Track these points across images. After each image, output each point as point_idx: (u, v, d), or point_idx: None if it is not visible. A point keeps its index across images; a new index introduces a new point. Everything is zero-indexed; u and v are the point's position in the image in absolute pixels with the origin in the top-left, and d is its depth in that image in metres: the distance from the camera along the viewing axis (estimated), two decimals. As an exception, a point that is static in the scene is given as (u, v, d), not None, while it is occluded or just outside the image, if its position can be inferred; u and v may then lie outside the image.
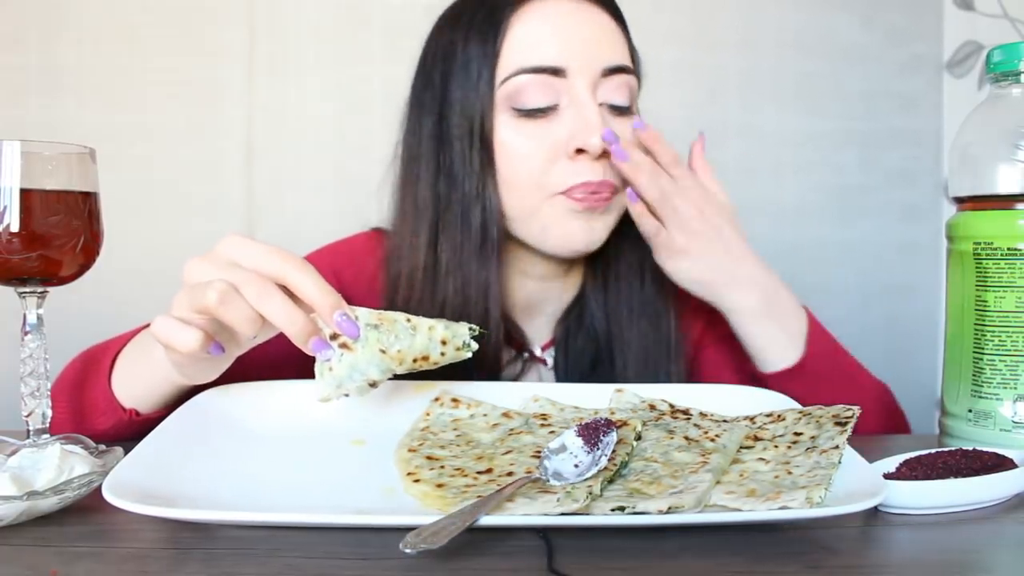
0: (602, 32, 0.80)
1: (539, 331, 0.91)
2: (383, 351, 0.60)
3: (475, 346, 0.62)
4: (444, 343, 0.61)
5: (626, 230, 0.83)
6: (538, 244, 0.82)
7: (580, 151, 0.77)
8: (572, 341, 0.88)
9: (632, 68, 0.82)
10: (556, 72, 0.77)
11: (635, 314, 0.87)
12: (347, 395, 0.61)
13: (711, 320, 0.87)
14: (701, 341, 0.91)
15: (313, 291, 0.57)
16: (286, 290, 0.57)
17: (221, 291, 0.55)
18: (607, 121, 0.78)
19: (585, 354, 0.88)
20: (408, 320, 0.61)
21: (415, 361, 0.61)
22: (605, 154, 0.77)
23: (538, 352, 0.89)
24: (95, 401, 0.70)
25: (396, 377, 0.63)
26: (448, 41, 0.81)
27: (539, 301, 0.89)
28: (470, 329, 0.62)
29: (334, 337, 0.59)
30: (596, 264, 0.88)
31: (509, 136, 0.79)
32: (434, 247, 0.81)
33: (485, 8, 0.79)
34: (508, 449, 0.60)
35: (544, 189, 0.79)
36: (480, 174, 0.79)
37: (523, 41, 0.78)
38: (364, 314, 0.60)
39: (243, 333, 0.57)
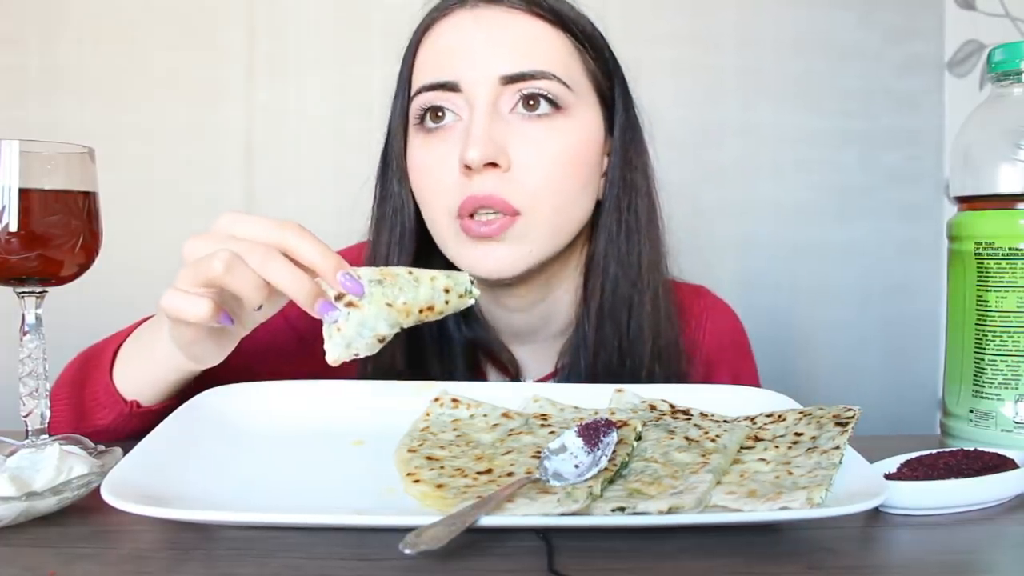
0: (508, 37, 0.75)
1: (538, 360, 0.87)
2: (389, 304, 0.60)
3: (477, 292, 0.63)
4: (447, 291, 0.61)
5: (617, 259, 0.80)
6: (460, 267, 0.79)
7: (468, 167, 0.73)
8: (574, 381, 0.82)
9: (547, 72, 0.74)
10: (450, 87, 0.75)
11: (623, 352, 0.81)
12: (357, 355, 0.60)
13: (712, 364, 0.86)
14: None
15: (314, 254, 0.58)
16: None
17: (226, 260, 0.55)
18: (517, 128, 0.74)
19: None
20: (410, 272, 0.61)
21: (421, 312, 0.61)
22: (493, 165, 0.73)
23: (530, 383, 0.85)
24: (96, 395, 0.70)
25: (395, 375, 0.63)
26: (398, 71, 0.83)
27: (521, 330, 0.86)
28: (473, 283, 0.63)
29: (339, 298, 0.59)
30: (588, 288, 0.83)
31: (416, 154, 0.78)
32: (372, 262, 0.82)
33: (412, 33, 0.81)
34: (508, 449, 0.60)
35: (447, 210, 0.76)
36: (400, 193, 0.81)
37: (425, 60, 0.78)
38: (367, 272, 0.60)
39: (250, 300, 0.57)
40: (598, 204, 0.81)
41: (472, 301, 0.63)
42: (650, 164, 0.84)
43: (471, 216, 0.74)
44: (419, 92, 0.77)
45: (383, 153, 0.84)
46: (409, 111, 0.79)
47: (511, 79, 0.74)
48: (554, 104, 0.75)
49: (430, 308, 0.61)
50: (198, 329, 0.60)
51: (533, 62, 0.75)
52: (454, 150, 0.74)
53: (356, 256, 0.88)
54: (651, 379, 0.80)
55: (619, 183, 0.81)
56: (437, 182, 0.76)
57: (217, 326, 0.59)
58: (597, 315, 0.81)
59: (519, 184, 0.74)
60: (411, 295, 0.60)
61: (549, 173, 0.75)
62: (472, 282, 0.63)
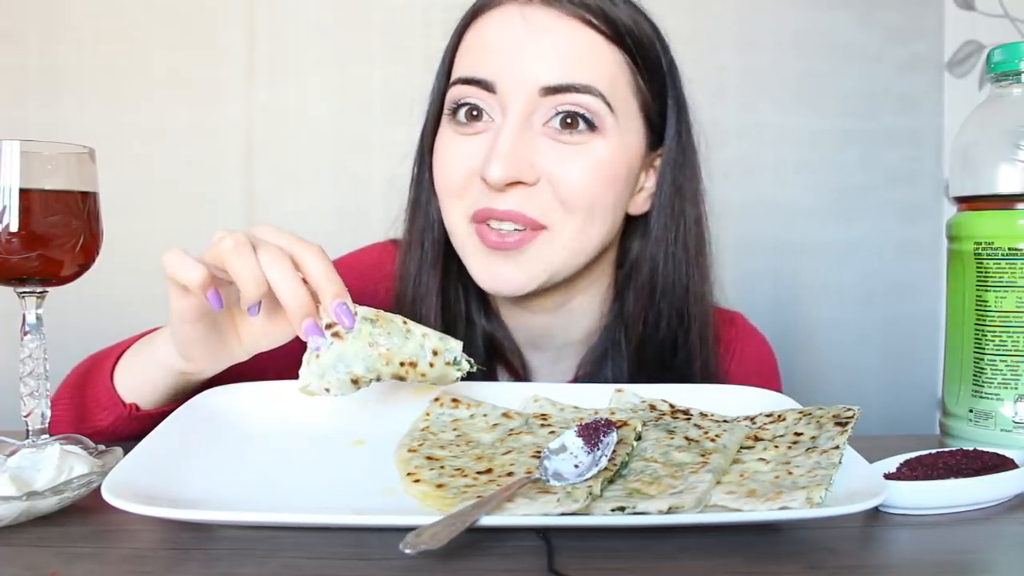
0: (555, 46, 0.71)
1: (552, 368, 0.85)
2: (371, 345, 0.60)
3: (466, 366, 0.62)
4: (435, 353, 0.61)
5: (663, 291, 0.78)
6: (472, 275, 0.76)
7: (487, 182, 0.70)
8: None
9: (591, 87, 0.70)
10: (487, 86, 0.71)
11: (667, 380, 0.76)
12: (328, 390, 0.60)
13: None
14: None
15: (321, 275, 0.59)
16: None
17: (237, 241, 0.57)
18: (548, 144, 0.71)
19: None
20: (404, 322, 0.61)
21: (402, 365, 0.61)
22: (519, 184, 0.70)
23: (531, 384, 0.83)
24: (96, 396, 0.71)
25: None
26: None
27: (537, 334, 0.84)
28: (468, 361, 0.62)
29: (329, 327, 0.59)
30: (621, 304, 0.81)
31: (442, 147, 0.76)
32: (406, 254, 0.82)
33: (462, 17, 0.78)
34: (508, 449, 0.60)
35: (464, 213, 0.74)
36: (429, 182, 0.79)
37: (467, 51, 0.75)
38: (363, 310, 0.60)
39: (246, 291, 0.57)
40: (628, 217, 0.79)
41: (458, 374, 0.62)
42: (702, 191, 0.80)
43: (487, 224, 0.72)
44: (455, 83, 0.74)
45: (421, 135, 0.82)
46: (444, 98, 0.76)
47: (552, 90, 0.70)
48: (591, 124, 0.71)
49: (412, 364, 0.61)
50: (192, 304, 0.60)
51: (577, 74, 0.70)
52: (479, 152, 0.71)
53: (373, 262, 0.87)
54: None
55: (667, 211, 0.77)
56: (456, 182, 0.74)
57: (208, 311, 0.60)
58: (638, 345, 0.79)
59: (545, 198, 0.71)
60: (396, 344, 0.60)
61: (577, 189, 0.71)
62: (467, 360, 0.62)
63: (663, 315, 0.79)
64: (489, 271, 0.74)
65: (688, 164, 0.79)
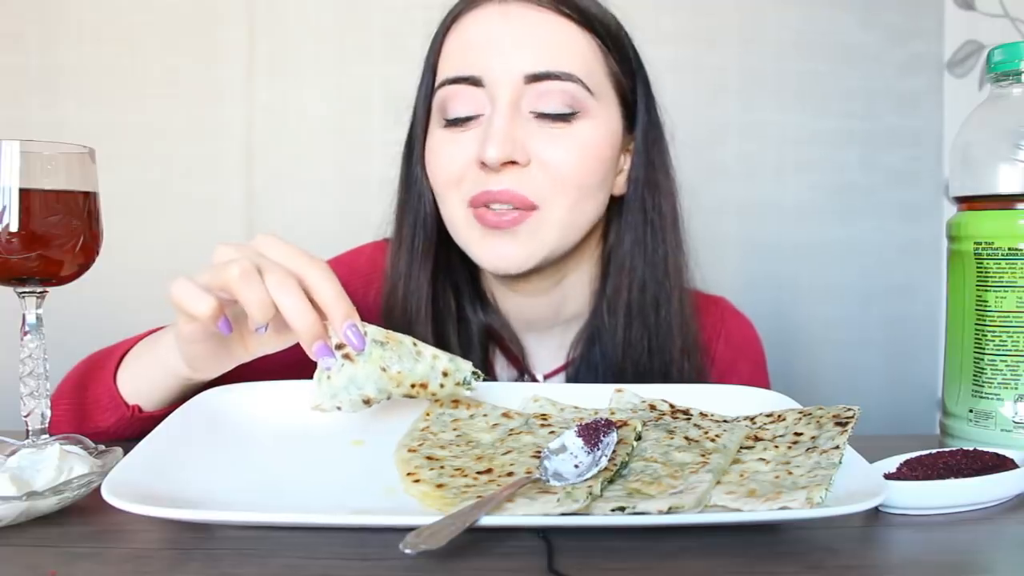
0: (534, 36, 0.76)
1: (548, 351, 0.87)
2: (383, 369, 0.60)
3: (476, 386, 0.63)
4: (445, 375, 0.62)
5: (644, 258, 0.81)
6: (471, 256, 0.80)
7: (484, 163, 0.74)
8: (584, 380, 0.83)
9: (571, 74, 0.75)
10: (474, 82, 0.75)
11: (652, 350, 0.81)
12: (339, 408, 0.61)
13: (725, 375, 0.86)
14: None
15: (330, 296, 0.59)
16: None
17: (244, 268, 0.57)
18: (536, 128, 0.75)
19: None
20: (414, 344, 0.62)
21: (413, 387, 0.62)
22: (512, 164, 0.74)
23: (540, 378, 0.87)
24: (98, 397, 0.71)
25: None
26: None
27: (532, 317, 0.86)
28: (474, 374, 0.63)
29: (339, 347, 0.59)
30: (606, 281, 0.83)
31: (435, 145, 0.79)
32: (396, 253, 0.84)
33: (440, 23, 0.81)
34: (508, 449, 0.60)
35: (462, 200, 0.77)
36: (419, 182, 0.82)
37: (451, 52, 0.79)
38: (373, 331, 0.61)
39: (254, 316, 0.57)
40: (612, 199, 0.82)
41: (468, 393, 0.63)
42: (671, 164, 0.84)
43: (486, 206, 0.75)
44: (443, 84, 0.78)
45: (407, 138, 0.85)
46: (432, 101, 0.80)
47: (535, 77, 0.75)
48: (575, 109, 0.76)
49: (423, 385, 0.62)
50: (199, 328, 0.60)
51: (557, 63, 0.75)
52: (473, 144, 0.75)
53: (367, 260, 0.89)
54: (680, 375, 0.82)
55: (643, 183, 0.82)
56: (453, 173, 0.77)
57: (215, 331, 0.59)
58: (625, 314, 0.82)
59: (537, 179, 0.75)
60: (407, 367, 0.61)
61: (567, 169, 0.75)
62: (473, 373, 0.63)
63: (647, 286, 0.81)
64: (490, 251, 0.77)
65: (659, 139, 0.83)
